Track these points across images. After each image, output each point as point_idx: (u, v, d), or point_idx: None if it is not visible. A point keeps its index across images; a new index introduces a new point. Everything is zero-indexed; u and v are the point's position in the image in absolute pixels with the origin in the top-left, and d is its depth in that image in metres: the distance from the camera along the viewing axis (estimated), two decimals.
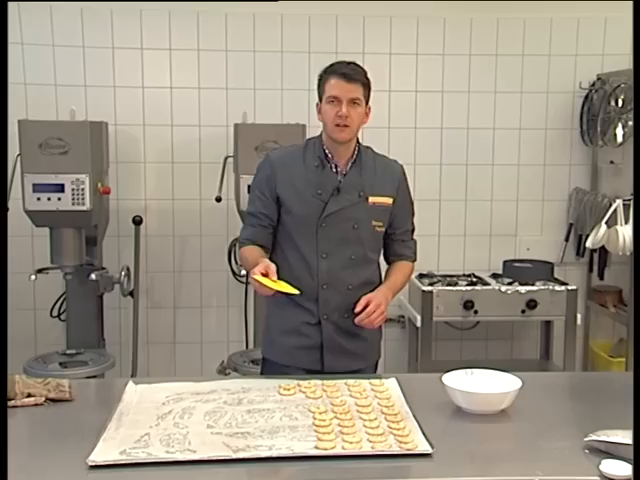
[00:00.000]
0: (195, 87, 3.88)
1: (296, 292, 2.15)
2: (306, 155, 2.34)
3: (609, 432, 1.65)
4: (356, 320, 2.23)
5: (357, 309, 2.23)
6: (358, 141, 2.37)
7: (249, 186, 2.64)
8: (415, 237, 2.52)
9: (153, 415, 1.85)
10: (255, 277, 2.07)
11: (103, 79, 3.80)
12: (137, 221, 3.66)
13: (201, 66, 3.87)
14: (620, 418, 1.70)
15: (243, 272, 3.85)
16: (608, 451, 1.63)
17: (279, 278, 2.12)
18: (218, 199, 3.63)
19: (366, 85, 2.28)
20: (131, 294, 3.70)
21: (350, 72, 2.24)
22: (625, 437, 1.60)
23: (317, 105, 2.34)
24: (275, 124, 3.69)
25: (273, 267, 2.11)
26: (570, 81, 4.01)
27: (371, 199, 2.33)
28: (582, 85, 4.00)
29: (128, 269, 3.67)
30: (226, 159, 3.74)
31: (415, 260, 2.51)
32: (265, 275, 2.08)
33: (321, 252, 2.30)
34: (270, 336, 2.42)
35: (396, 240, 2.45)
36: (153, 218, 3.95)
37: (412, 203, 2.48)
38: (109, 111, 3.79)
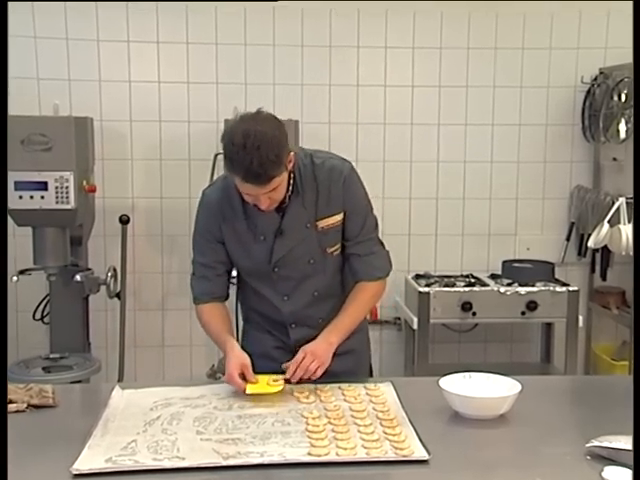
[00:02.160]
0: (184, 81, 3.88)
1: (279, 389, 2.00)
2: None
3: (612, 438, 1.66)
4: (287, 375, 2.04)
5: (290, 369, 2.04)
6: (292, 167, 2.04)
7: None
8: (385, 246, 2.24)
9: (140, 421, 1.84)
10: (248, 393, 1.97)
11: (88, 73, 3.79)
12: (124, 220, 3.65)
13: (190, 60, 3.87)
14: (623, 423, 1.70)
15: (233, 273, 3.84)
16: (610, 457, 1.63)
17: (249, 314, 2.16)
18: None
19: (279, 171, 1.93)
20: (118, 296, 3.69)
21: (254, 177, 1.90)
22: (628, 443, 1.60)
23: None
24: None
25: (247, 361, 2.02)
26: (572, 75, 4.02)
27: (320, 224, 2.12)
28: (584, 79, 4.00)
29: (115, 270, 3.67)
30: (216, 156, 3.73)
31: (379, 278, 2.21)
32: (242, 375, 1.99)
33: (282, 294, 2.19)
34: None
35: (352, 255, 2.19)
36: (141, 217, 3.93)
37: (368, 205, 2.19)
38: (94, 106, 3.78)
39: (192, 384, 2.12)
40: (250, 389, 2.00)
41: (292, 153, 1.99)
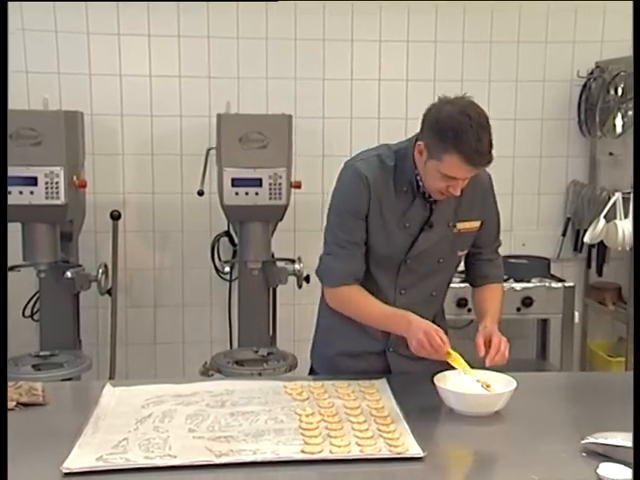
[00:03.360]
0: (176, 75, 3.86)
1: (473, 375, 1.99)
2: (396, 173, 2.04)
3: (607, 434, 1.66)
4: (487, 362, 2.01)
5: (481, 353, 2.03)
6: None
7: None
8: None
9: (132, 419, 1.84)
10: (449, 357, 1.95)
11: (78, 66, 3.77)
12: (115, 216, 3.64)
13: (182, 53, 3.85)
14: (619, 420, 1.71)
15: (227, 269, 3.86)
16: (606, 454, 1.63)
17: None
18: (200, 193, 3.62)
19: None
20: (109, 292, 3.68)
21: (480, 158, 1.88)
22: (624, 439, 1.61)
23: (419, 146, 1.98)
24: (260, 114, 3.68)
25: (441, 332, 1.98)
26: (567, 69, 4.02)
27: (458, 226, 2.11)
28: (580, 73, 4.01)
29: (106, 266, 3.66)
30: (209, 151, 3.73)
31: (503, 280, 2.34)
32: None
33: (400, 288, 2.13)
34: (323, 352, 2.27)
35: (483, 260, 2.25)
36: (132, 213, 3.92)
37: (498, 214, 2.24)
38: (84, 100, 3.77)
39: (184, 381, 2.11)
40: (449, 357, 1.96)
41: None
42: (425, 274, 2.15)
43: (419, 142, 1.98)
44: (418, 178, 2.03)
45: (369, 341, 2.19)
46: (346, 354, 2.21)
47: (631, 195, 3.57)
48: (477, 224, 2.16)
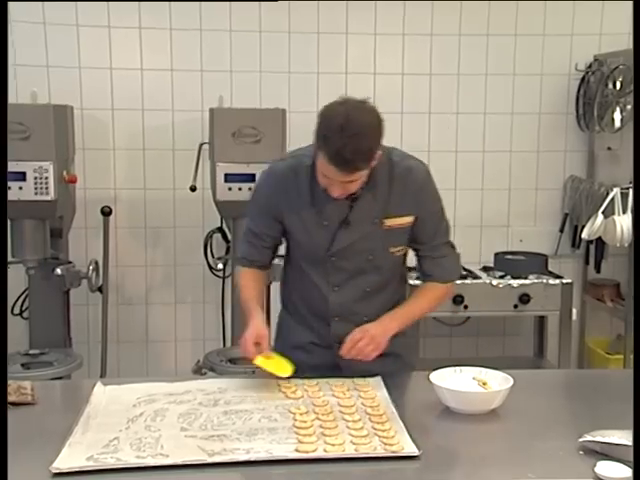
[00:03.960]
0: (167, 69, 3.85)
1: (286, 374, 2.05)
2: (313, 172, 2.07)
3: (605, 432, 1.66)
4: (341, 352, 2.08)
5: (346, 346, 2.07)
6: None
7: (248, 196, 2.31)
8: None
9: (123, 418, 1.84)
10: (256, 362, 2.04)
11: (67, 59, 3.76)
12: (106, 212, 3.63)
13: (174, 46, 3.84)
14: (617, 418, 1.72)
15: (220, 266, 3.86)
16: (604, 452, 1.64)
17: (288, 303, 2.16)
18: (193, 188, 3.61)
19: (366, 166, 1.96)
20: (100, 290, 3.68)
21: (341, 162, 1.90)
22: (622, 438, 1.61)
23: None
24: (253, 109, 3.68)
25: (264, 332, 2.07)
26: (565, 62, 4.02)
27: (387, 222, 2.13)
28: (578, 67, 4.01)
29: (96, 263, 3.65)
30: (201, 146, 3.72)
31: (451, 280, 2.28)
32: (257, 344, 2.04)
33: (332, 285, 2.18)
34: (278, 346, 2.29)
35: (424, 257, 2.24)
36: (123, 209, 3.92)
37: (441, 210, 2.22)
38: (74, 94, 3.75)
39: (177, 380, 2.11)
40: (259, 361, 2.03)
41: (380, 153, 1.98)
42: (355, 271, 2.18)
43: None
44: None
45: (315, 334, 2.26)
46: (298, 347, 2.25)
47: (630, 190, 3.57)
48: (409, 220, 2.15)
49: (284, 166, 2.17)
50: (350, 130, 1.87)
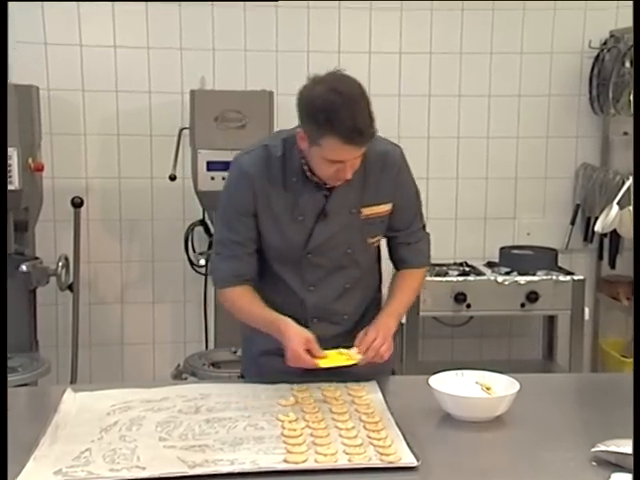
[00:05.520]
0: (143, 47, 3.84)
1: (354, 361, 2.05)
2: (284, 163, 2.09)
3: (620, 442, 1.67)
4: (358, 353, 2.06)
5: (361, 349, 2.06)
6: None
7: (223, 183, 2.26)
8: (427, 230, 2.34)
9: (95, 427, 1.84)
10: (321, 366, 2.01)
11: (32, 35, 3.74)
12: (77, 203, 3.62)
13: (150, 22, 3.83)
14: (632, 426, 1.72)
15: (202, 262, 3.85)
16: (618, 463, 1.65)
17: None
18: (172, 177, 3.61)
19: (375, 131, 1.99)
20: (70, 288, 3.67)
21: (359, 136, 1.92)
22: None
23: (299, 133, 2.01)
24: (238, 91, 3.68)
25: (311, 336, 2.02)
26: (578, 39, 4.03)
27: (364, 212, 2.14)
28: (592, 44, 4.02)
29: (66, 259, 3.64)
30: (181, 131, 3.72)
31: (427, 265, 2.33)
32: (308, 351, 2.01)
33: (308, 284, 2.18)
34: (248, 352, 2.32)
35: (400, 244, 2.26)
36: (95, 199, 3.91)
37: (417, 193, 2.26)
38: (40, 73, 3.74)
39: (155, 385, 2.11)
40: (324, 363, 2.01)
41: None
42: (334, 267, 2.18)
43: (298, 129, 2.02)
44: (306, 168, 2.07)
45: None
46: (269, 352, 2.22)
47: (630, 186, 3.59)
48: (387, 208, 2.18)
49: (252, 158, 2.14)
50: (348, 103, 1.89)
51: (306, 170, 2.08)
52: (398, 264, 2.29)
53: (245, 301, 2.17)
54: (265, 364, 2.22)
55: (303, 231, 2.13)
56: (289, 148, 2.09)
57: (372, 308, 2.28)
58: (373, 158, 2.12)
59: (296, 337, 2.02)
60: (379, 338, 2.07)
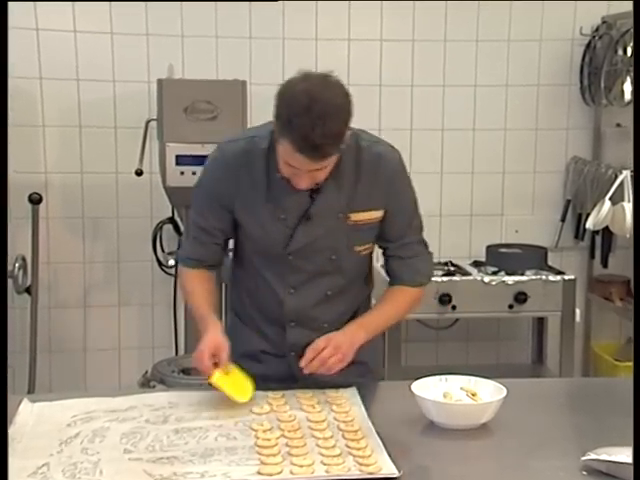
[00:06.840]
0: (107, 32, 3.82)
1: (244, 400, 2.02)
2: (269, 157, 2.07)
3: (612, 450, 1.68)
4: (301, 363, 2.07)
5: (307, 355, 2.06)
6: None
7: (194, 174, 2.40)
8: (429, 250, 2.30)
9: (55, 440, 1.83)
10: (212, 380, 2.01)
11: None
12: (35, 199, 3.61)
13: (114, 5, 3.81)
14: (625, 433, 1.73)
15: (171, 262, 3.84)
16: (609, 472, 1.66)
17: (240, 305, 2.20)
18: (139, 172, 3.59)
19: (337, 150, 1.94)
20: (27, 291, 3.65)
21: (309, 149, 1.87)
22: (630, 456, 1.63)
23: (272, 124, 1.99)
24: (209, 80, 3.67)
25: (223, 343, 2.04)
26: (568, 26, 4.06)
27: (353, 217, 2.12)
28: (583, 31, 4.04)
29: (24, 260, 3.62)
30: (148, 123, 3.70)
31: (422, 284, 2.27)
32: (214, 357, 2.01)
33: (289, 286, 2.18)
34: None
35: (392, 257, 2.25)
36: (56, 196, 3.90)
37: (414, 203, 2.24)
38: None
39: (120, 394, 2.11)
40: (216, 379, 2.01)
41: (350, 133, 1.97)
42: (316, 272, 2.18)
43: (272, 120, 1.99)
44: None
45: (267, 341, 2.26)
46: (248, 356, 2.24)
47: (623, 180, 3.61)
48: (378, 214, 2.16)
49: (236, 148, 2.14)
50: (316, 111, 1.85)
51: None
52: (391, 279, 2.28)
53: (194, 286, 2.22)
54: (245, 368, 2.17)
55: (284, 231, 2.12)
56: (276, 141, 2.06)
57: (357, 313, 2.28)
58: (366, 160, 2.11)
59: (210, 340, 2.05)
60: (329, 348, 2.05)
